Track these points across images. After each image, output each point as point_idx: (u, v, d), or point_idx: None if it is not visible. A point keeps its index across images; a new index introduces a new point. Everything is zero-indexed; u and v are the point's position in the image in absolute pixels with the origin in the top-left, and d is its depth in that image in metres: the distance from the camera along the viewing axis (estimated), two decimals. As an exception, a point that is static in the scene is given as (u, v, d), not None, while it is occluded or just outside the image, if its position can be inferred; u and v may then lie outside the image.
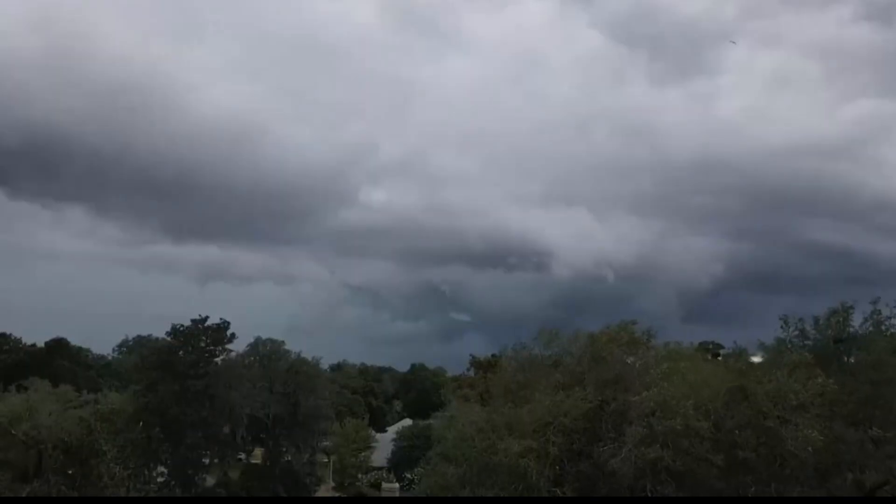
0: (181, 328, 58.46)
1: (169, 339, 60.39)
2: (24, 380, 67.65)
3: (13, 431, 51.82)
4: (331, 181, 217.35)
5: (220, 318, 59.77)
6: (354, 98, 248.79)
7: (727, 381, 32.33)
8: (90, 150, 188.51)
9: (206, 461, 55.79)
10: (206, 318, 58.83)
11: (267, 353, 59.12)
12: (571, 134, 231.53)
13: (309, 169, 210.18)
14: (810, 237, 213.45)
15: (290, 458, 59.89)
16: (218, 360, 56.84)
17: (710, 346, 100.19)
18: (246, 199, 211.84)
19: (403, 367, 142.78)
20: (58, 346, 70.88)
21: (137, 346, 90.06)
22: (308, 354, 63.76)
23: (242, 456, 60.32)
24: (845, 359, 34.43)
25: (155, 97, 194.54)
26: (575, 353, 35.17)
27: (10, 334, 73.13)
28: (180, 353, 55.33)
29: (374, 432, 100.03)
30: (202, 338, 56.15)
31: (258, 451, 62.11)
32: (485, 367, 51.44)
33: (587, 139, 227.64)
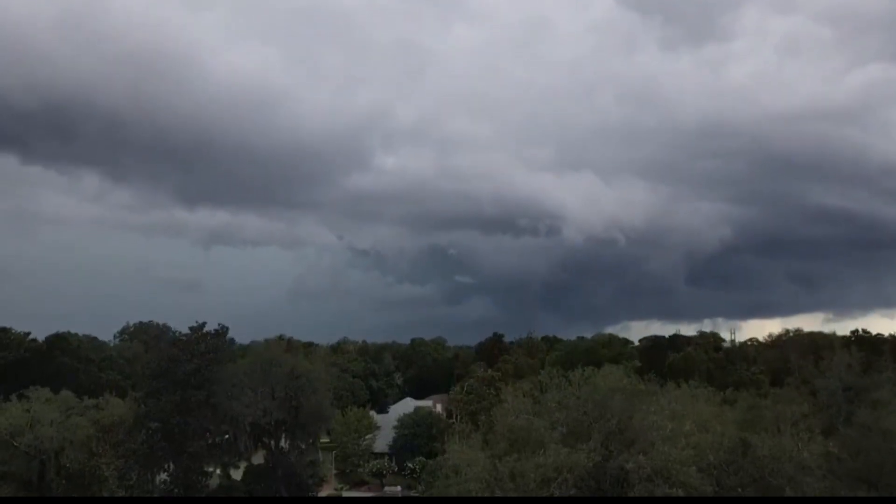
0: (180, 335, 58.45)
1: (165, 326, 60.15)
2: (25, 376, 68.09)
3: (15, 443, 52.12)
4: (343, 146, 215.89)
5: (219, 324, 59.85)
6: (365, 64, 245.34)
7: (731, 432, 32.11)
8: (106, 113, 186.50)
9: (209, 468, 55.87)
10: (204, 323, 58.79)
11: (268, 359, 58.72)
12: (581, 100, 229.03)
13: (322, 133, 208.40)
14: (817, 201, 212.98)
15: (292, 460, 59.99)
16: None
17: (712, 338, 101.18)
18: (259, 164, 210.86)
19: (407, 332, 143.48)
20: (58, 341, 70.79)
21: (138, 334, 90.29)
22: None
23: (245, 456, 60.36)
24: (854, 409, 34.03)
25: (169, 60, 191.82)
26: (581, 397, 34.72)
27: (11, 328, 72.90)
28: (181, 360, 54.81)
29: (374, 413, 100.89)
30: (201, 344, 55.78)
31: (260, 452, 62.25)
32: (487, 381, 51.26)
33: (597, 105, 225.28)
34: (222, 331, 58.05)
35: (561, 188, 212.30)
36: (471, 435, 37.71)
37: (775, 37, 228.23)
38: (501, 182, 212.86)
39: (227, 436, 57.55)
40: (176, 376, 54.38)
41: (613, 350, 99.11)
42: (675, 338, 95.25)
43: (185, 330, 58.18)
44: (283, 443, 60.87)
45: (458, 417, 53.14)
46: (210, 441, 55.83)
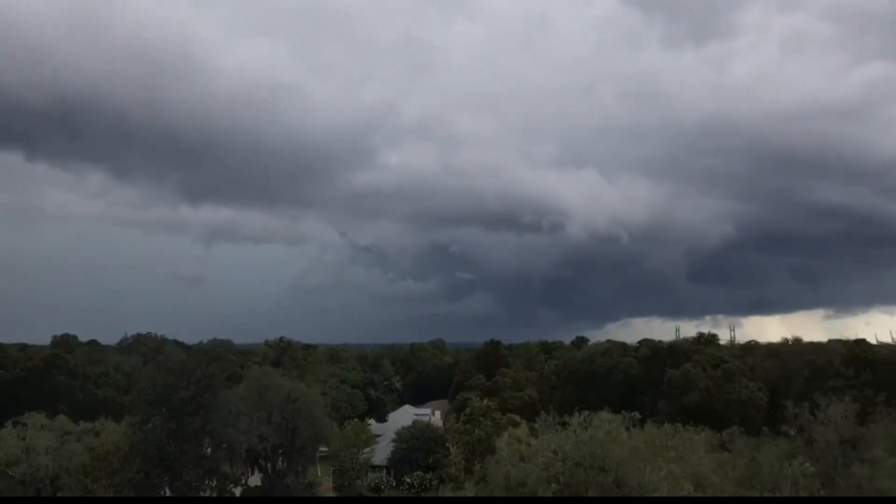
0: (178, 355, 58.17)
1: (163, 338, 59.91)
2: (22, 395, 68.01)
3: (10, 473, 51.94)
4: (347, 143, 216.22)
5: (214, 337, 59.72)
6: (368, 61, 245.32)
7: (731, 489, 31.80)
8: (112, 110, 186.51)
9: (205, 494, 55.70)
10: (200, 341, 58.62)
11: (264, 385, 58.48)
12: (584, 97, 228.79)
13: (326, 130, 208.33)
14: (818, 198, 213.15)
15: (288, 483, 59.88)
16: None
17: (710, 352, 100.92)
18: (263, 161, 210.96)
19: (409, 329, 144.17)
20: (55, 359, 70.69)
21: (137, 346, 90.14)
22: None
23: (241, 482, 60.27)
24: (850, 460, 33.71)
25: (175, 57, 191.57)
26: (578, 444, 34.32)
27: (5, 343, 72.46)
28: (177, 387, 54.44)
29: (373, 421, 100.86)
30: (197, 371, 55.44)
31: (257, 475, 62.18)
32: (484, 411, 50.96)
33: (600, 102, 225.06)
34: (219, 344, 58.01)
35: (564, 185, 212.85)
36: (465, 485, 37.38)
37: (778, 34, 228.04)
38: (505, 179, 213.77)
39: (221, 455, 57.44)
40: (171, 403, 54.03)
41: (612, 359, 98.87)
42: (674, 348, 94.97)
43: (186, 336, 58.40)
44: (279, 465, 60.82)
45: (455, 445, 52.80)
46: (206, 468, 55.63)
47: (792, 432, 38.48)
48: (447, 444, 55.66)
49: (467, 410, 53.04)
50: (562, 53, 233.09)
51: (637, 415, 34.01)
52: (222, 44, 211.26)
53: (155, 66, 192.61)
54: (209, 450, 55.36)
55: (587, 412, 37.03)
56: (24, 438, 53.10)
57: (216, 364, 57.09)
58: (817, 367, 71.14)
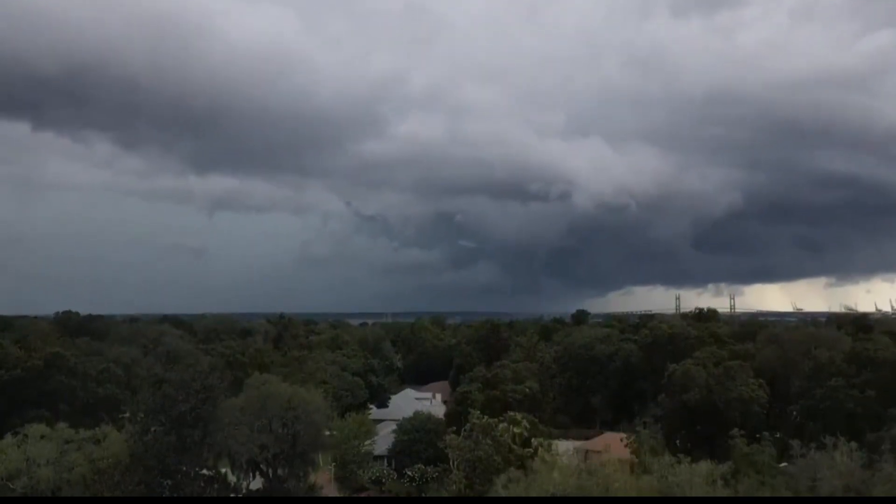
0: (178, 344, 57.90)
1: (164, 328, 59.39)
2: (22, 396, 68.21)
3: (11, 486, 52.20)
4: (354, 112, 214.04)
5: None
6: (375, 32, 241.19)
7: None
8: (121, 79, 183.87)
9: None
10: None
11: (264, 394, 58.46)
12: (591, 67, 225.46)
13: (333, 102, 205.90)
14: (824, 167, 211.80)
15: (289, 488, 60.29)
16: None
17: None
18: (270, 132, 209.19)
19: (412, 299, 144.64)
20: (55, 360, 70.81)
21: (137, 336, 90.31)
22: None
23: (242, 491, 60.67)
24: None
25: (183, 26, 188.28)
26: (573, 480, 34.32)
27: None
28: (176, 400, 54.43)
29: (374, 408, 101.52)
30: (196, 382, 55.34)
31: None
32: (485, 429, 51.06)
33: (607, 72, 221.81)
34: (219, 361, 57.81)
35: (571, 154, 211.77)
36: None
37: (788, 3, 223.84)
38: (511, 148, 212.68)
39: (222, 466, 57.76)
40: (171, 414, 54.09)
41: (612, 345, 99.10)
42: (675, 336, 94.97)
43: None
44: (280, 472, 61.12)
45: (456, 464, 52.99)
46: (207, 476, 55.92)
47: (796, 470, 38.37)
48: (446, 450, 55.74)
49: (468, 426, 53.05)
50: (569, 23, 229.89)
51: (635, 442, 33.86)
52: (230, 12, 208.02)
53: (163, 34, 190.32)
54: (209, 461, 55.63)
55: (585, 448, 36.87)
56: (24, 451, 53.24)
57: (216, 374, 56.92)
58: (819, 363, 71.06)
